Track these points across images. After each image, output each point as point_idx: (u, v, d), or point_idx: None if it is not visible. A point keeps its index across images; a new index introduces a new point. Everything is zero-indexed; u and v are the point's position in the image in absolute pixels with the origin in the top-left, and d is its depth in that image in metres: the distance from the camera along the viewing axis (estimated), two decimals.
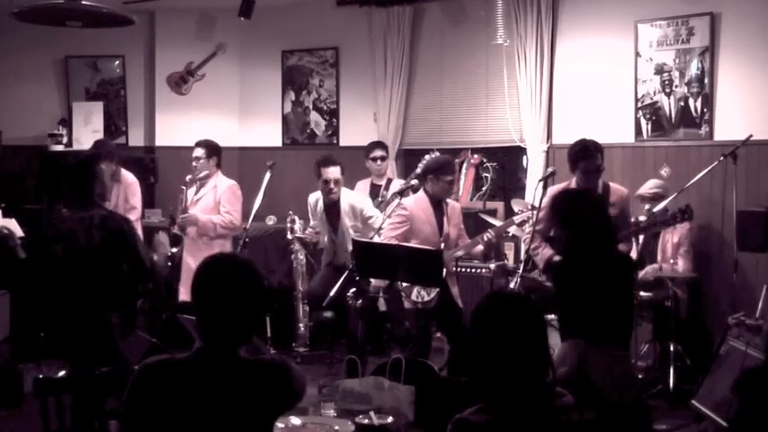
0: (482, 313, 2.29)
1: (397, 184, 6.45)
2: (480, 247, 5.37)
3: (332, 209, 5.89)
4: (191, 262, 5.86)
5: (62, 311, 4.29)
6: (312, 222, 6.09)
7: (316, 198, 6.01)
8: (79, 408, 3.11)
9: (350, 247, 5.61)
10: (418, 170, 5.72)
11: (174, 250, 6.43)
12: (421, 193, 5.34)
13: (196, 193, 6.10)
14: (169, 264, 6.43)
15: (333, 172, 5.78)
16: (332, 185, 5.77)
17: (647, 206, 5.59)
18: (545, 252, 4.95)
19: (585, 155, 4.88)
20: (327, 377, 5.17)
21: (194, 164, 6.09)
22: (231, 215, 6.01)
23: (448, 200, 5.45)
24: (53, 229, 4.40)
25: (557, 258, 4.58)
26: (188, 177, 6.08)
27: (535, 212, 5.20)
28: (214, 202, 6.05)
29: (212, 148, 6.14)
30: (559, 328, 3.99)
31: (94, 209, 4.36)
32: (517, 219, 5.39)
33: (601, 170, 4.92)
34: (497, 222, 5.74)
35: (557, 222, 3.99)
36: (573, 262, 3.83)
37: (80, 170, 4.46)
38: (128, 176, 6.32)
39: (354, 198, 6.00)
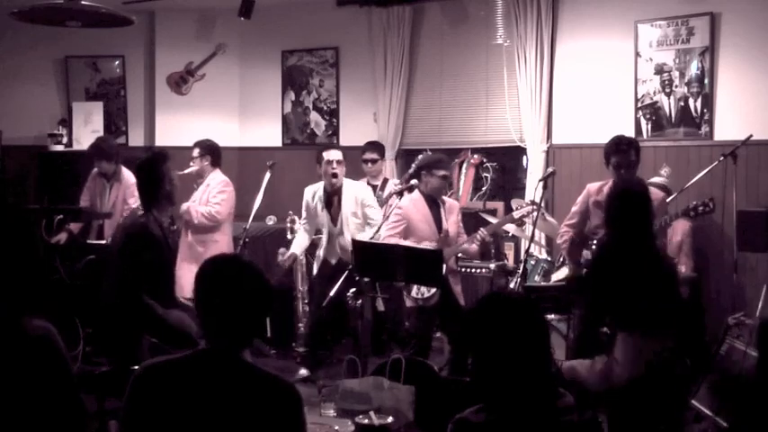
0: (483, 314, 2.28)
1: (393, 184, 6.42)
2: (475, 246, 5.31)
3: (333, 195, 5.78)
4: (186, 268, 5.62)
5: None
6: (303, 217, 5.99)
7: (313, 191, 5.89)
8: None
9: (348, 241, 5.44)
10: (411, 170, 5.70)
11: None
12: (416, 193, 5.31)
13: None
14: None
15: (334, 154, 5.77)
16: (334, 165, 5.68)
17: None
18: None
19: (618, 149, 4.85)
20: (327, 377, 5.17)
21: (191, 163, 6.19)
22: (214, 207, 6.02)
23: (444, 198, 5.44)
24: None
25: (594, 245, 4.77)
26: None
27: (534, 208, 5.19)
28: (206, 198, 6.11)
29: (206, 148, 6.20)
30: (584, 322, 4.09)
31: None
32: (516, 214, 5.33)
33: (632, 167, 4.86)
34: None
35: (605, 220, 4.21)
36: (610, 254, 4.03)
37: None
38: (129, 177, 6.27)
39: (357, 186, 5.94)
